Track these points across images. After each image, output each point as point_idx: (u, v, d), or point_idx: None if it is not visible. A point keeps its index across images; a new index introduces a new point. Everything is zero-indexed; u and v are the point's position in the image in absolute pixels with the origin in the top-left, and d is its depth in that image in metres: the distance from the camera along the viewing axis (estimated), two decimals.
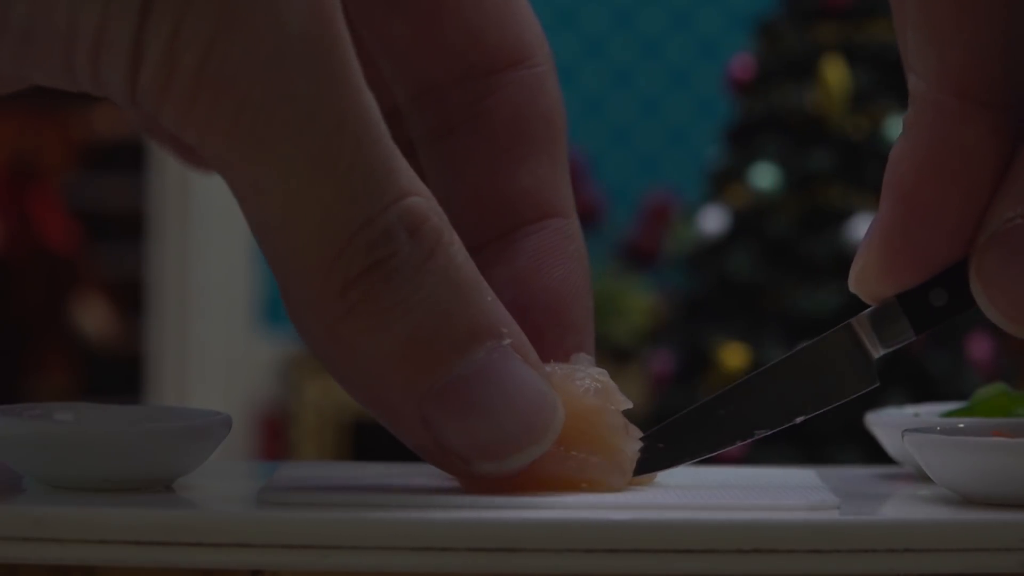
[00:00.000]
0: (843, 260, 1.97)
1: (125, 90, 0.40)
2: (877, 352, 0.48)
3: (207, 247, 3.25)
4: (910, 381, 1.94)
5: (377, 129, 0.40)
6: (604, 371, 0.49)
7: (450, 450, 0.42)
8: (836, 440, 1.91)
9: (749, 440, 0.47)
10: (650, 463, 0.47)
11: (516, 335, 0.42)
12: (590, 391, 0.49)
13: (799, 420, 0.48)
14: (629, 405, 0.50)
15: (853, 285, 0.46)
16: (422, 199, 0.41)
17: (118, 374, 3.62)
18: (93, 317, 3.86)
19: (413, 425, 0.42)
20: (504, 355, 0.42)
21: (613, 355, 2.96)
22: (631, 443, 0.48)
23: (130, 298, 3.69)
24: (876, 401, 0.58)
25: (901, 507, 0.47)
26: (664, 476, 0.49)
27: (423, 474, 0.50)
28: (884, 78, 2.06)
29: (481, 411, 0.41)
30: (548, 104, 0.48)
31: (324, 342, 0.41)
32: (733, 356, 1.97)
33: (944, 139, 0.43)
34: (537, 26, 0.48)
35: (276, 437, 3.17)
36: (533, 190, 0.48)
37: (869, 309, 0.47)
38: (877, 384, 0.48)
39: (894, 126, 2.02)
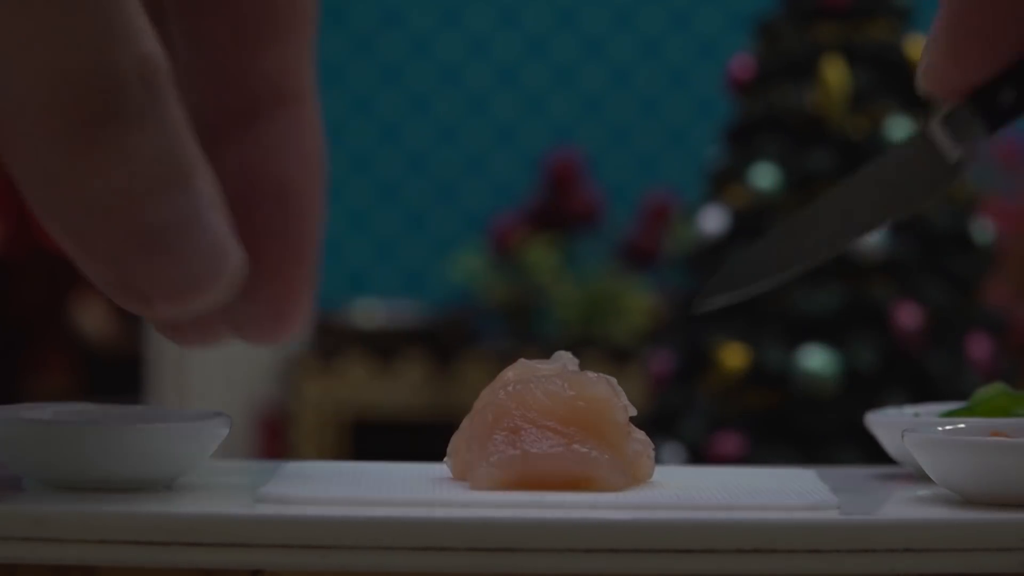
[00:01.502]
0: (843, 260, 1.97)
1: None
2: (954, 153, 0.48)
3: None
4: (910, 381, 1.94)
5: None
6: (612, 377, 0.50)
7: (133, 288, 0.43)
8: (836, 440, 1.91)
9: (843, 245, 0.48)
10: (748, 277, 0.48)
11: (208, 179, 0.43)
12: (601, 382, 0.50)
13: (888, 221, 0.48)
14: (634, 412, 0.51)
15: (922, 81, 0.47)
16: (158, 48, 0.42)
17: (118, 374, 3.62)
18: (93, 317, 3.86)
19: (101, 260, 0.43)
20: (199, 200, 0.42)
21: (613, 355, 2.96)
22: (632, 444, 0.48)
23: None
24: (876, 401, 0.58)
25: (901, 507, 0.48)
26: (664, 476, 0.49)
27: (423, 474, 0.50)
28: (884, 78, 2.06)
29: (170, 252, 0.42)
30: None
31: (53, 172, 0.41)
32: (733, 356, 1.97)
33: None
34: None
35: (276, 437, 3.17)
36: (275, 71, 0.47)
37: (941, 112, 0.48)
38: (960, 176, 0.48)
39: (894, 126, 2.02)
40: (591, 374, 0.50)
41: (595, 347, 2.94)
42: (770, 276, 0.49)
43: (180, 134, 0.42)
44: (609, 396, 0.49)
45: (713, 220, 2.05)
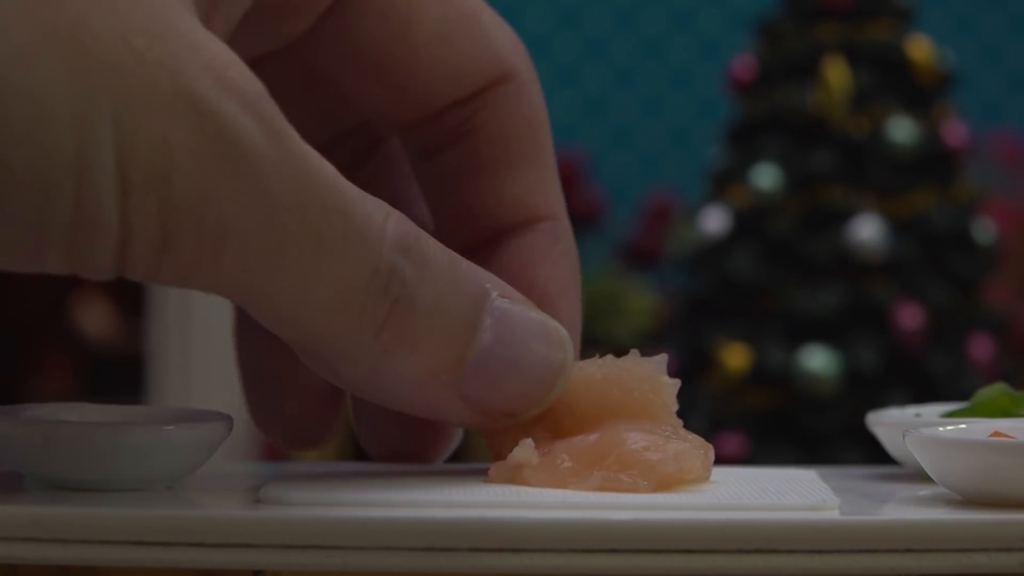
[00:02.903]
0: (844, 260, 1.97)
1: (109, 265, 0.41)
2: None
3: None
4: (911, 381, 1.94)
5: (349, 190, 0.42)
6: None
7: (495, 413, 0.45)
8: (836, 440, 1.91)
9: None
10: None
11: (496, 283, 0.45)
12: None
13: None
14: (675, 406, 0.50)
15: None
16: (395, 214, 0.43)
17: (119, 375, 3.62)
18: (94, 318, 3.86)
19: (457, 410, 0.45)
20: (501, 308, 0.44)
21: (614, 355, 2.95)
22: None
23: (131, 299, 3.69)
24: (878, 401, 0.59)
25: (901, 507, 0.48)
26: None
27: (424, 474, 0.50)
28: (885, 78, 2.06)
29: (509, 367, 0.44)
30: (530, 114, 0.50)
31: (366, 382, 0.44)
32: (734, 356, 1.97)
33: None
34: (511, 38, 0.50)
35: None
36: (520, 196, 0.50)
37: None
38: None
39: (895, 126, 2.02)
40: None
41: (596, 347, 2.92)
42: None
43: (456, 266, 0.44)
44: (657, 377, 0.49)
45: (715, 220, 2.05)
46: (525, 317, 0.45)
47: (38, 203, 0.39)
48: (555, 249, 0.50)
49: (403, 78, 0.49)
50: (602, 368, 0.50)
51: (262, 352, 0.52)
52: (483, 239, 0.50)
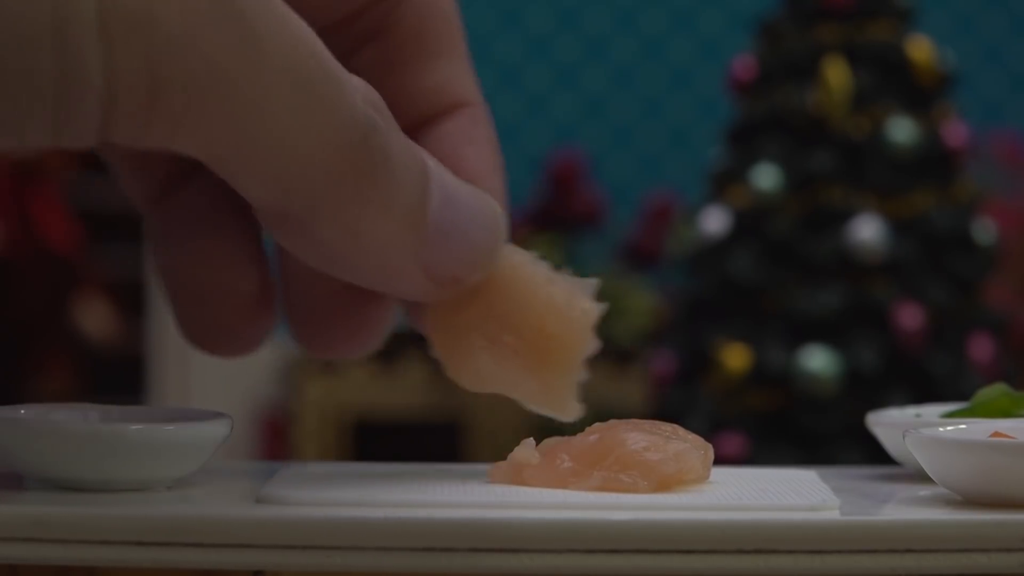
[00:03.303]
0: (844, 260, 1.97)
1: (94, 128, 0.40)
2: None
3: None
4: (911, 382, 1.94)
5: (315, 40, 0.43)
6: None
7: (446, 279, 0.46)
8: (837, 440, 1.91)
9: None
10: None
11: (429, 156, 0.46)
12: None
13: None
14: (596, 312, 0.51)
15: None
16: (357, 77, 0.44)
17: (119, 375, 3.62)
18: (94, 318, 3.86)
19: (413, 276, 0.46)
20: (441, 176, 0.45)
21: (614, 356, 2.96)
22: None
23: (132, 299, 3.69)
24: (878, 401, 0.59)
25: (901, 507, 0.47)
26: None
27: (424, 474, 0.50)
28: (885, 78, 2.06)
29: (458, 232, 0.46)
30: (444, 6, 0.51)
31: (336, 244, 0.44)
32: (734, 357, 1.97)
33: None
34: None
35: (277, 438, 3.17)
36: (439, 85, 0.51)
37: None
38: None
39: (895, 127, 2.02)
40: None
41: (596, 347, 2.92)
42: None
43: (402, 133, 0.45)
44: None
45: (715, 221, 2.05)
46: (463, 187, 0.46)
47: (17, 66, 0.38)
48: (477, 133, 0.51)
49: None
50: (535, 264, 0.50)
51: (187, 261, 0.51)
52: (406, 129, 0.51)
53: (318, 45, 0.42)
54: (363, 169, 0.43)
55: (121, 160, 0.50)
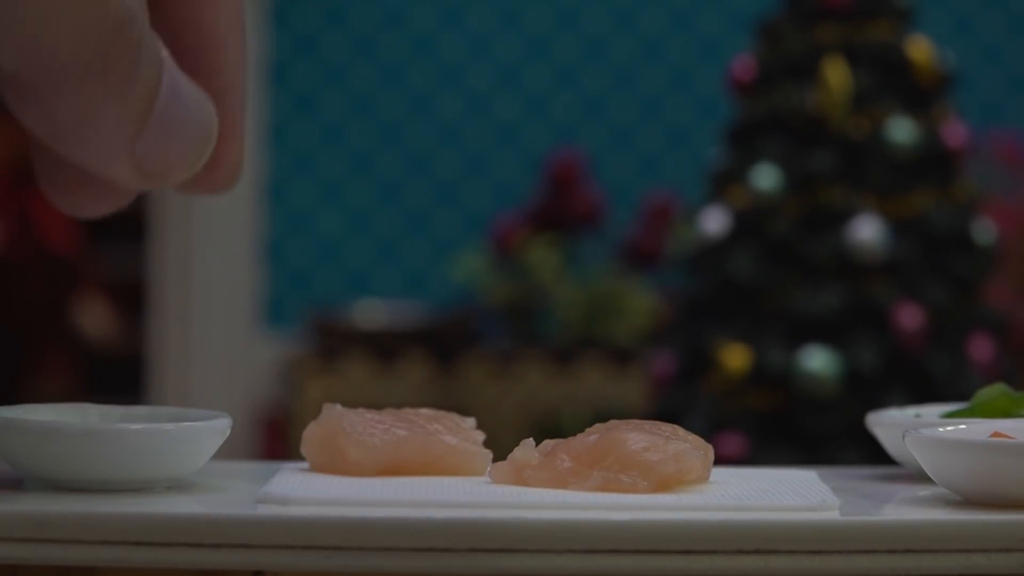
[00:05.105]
0: (844, 260, 1.97)
1: None
2: None
3: (208, 248, 3.25)
4: (911, 382, 1.94)
5: None
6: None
7: (153, 173, 0.47)
8: (837, 440, 1.91)
9: None
10: None
11: (166, 49, 0.47)
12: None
13: None
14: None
15: None
16: None
17: (119, 375, 3.62)
18: (94, 318, 3.86)
19: (127, 167, 0.46)
20: (173, 74, 0.46)
21: (614, 356, 2.96)
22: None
23: (131, 299, 3.69)
24: (878, 402, 0.58)
25: (901, 507, 0.48)
26: None
27: (424, 474, 0.50)
28: (885, 79, 2.06)
29: (176, 129, 0.46)
30: None
31: (66, 126, 0.45)
32: (734, 357, 1.97)
33: None
34: None
35: (277, 438, 3.17)
36: None
37: None
38: None
39: (895, 127, 2.02)
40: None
41: (596, 348, 2.94)
42: None
43: (151, 32, 0.46)
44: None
45: (714, 221, 2.05)
46: (189, 86, 0.47)
47: None
48: None
49: None
50: None
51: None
52: None
53: None
54: (112, 58, 0.44)
55: None
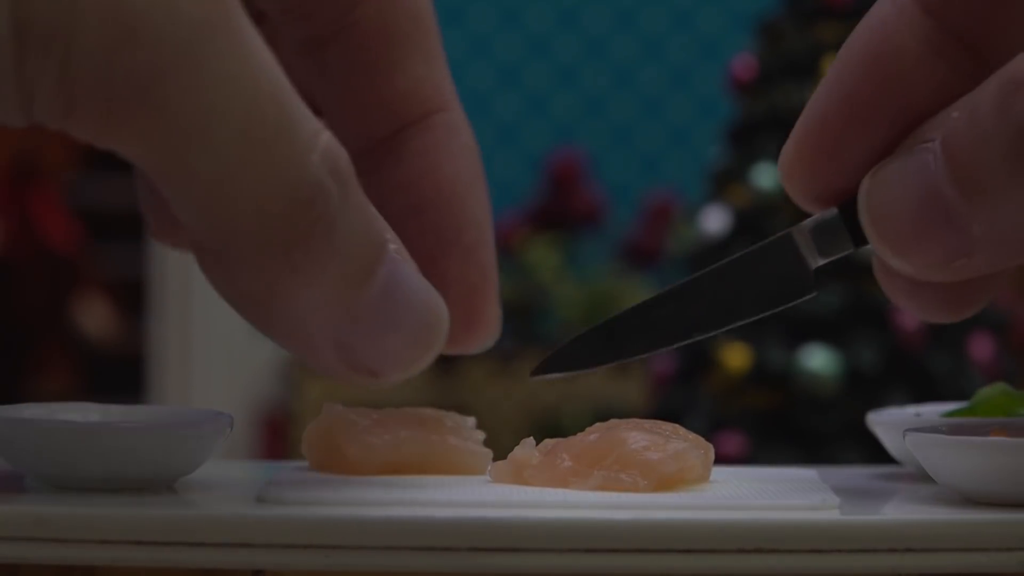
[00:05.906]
0: (844, 260, 1.97)
1: (20, 117, 0.39)
2: (815, 263, 0.47)
3: None
4: (912, 381, 1.94)
5: (282, 82, 0.39)
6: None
7: (361, 368, 0.43)
8: (837, 440, 1.91)
9: (685, 342, 0.47)
10: (583, 359, 0.47)
11: (393, 236, 0.43)
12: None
13: (736, 325, 0.47)
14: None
15: (780, 176, 0.46)
16: (328, 132, 0.40)
17: (120, 374, 3.62)
18: (95, 317, 3.86)
19: (326, 354, 0.42)
20: (396, 265, 0.42)
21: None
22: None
23: (132, 298, 3.69)
24: (878, 401, 0.59)
25: (901, 507, 0.47)
26: None
27: (424, 474, 0.50)
28: None
29: (389, 325, 0.42)
30: (412, 4, 0.48)
31: (255, 298, 0.41)
32: (734, 356, 1.97)
33: (887, 38, 0.43)
34: None
35: (277, 437, 3.17)
36: (410, 89, 0.48)
37: (811, 219, 0.47)
38: (814, 294, 0.47)
39: None
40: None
41: None
42: (604, 362, 0.48)
43: (369, 207, 0.41)
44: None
45: (715, 220, 2.05)
46: (417, 283, 0.43)
47: None
48: (454, 144, 0.48)
49: None
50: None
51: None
52: (378, 139, 0.48)
53: (282, 88, 0.39)
54: (299, 234, 0.40)
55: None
